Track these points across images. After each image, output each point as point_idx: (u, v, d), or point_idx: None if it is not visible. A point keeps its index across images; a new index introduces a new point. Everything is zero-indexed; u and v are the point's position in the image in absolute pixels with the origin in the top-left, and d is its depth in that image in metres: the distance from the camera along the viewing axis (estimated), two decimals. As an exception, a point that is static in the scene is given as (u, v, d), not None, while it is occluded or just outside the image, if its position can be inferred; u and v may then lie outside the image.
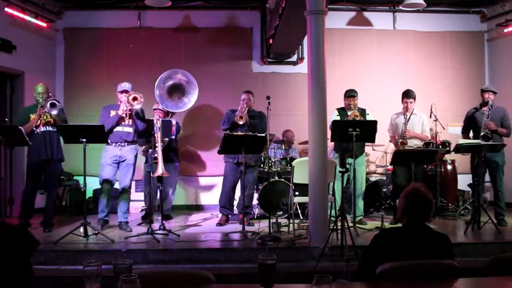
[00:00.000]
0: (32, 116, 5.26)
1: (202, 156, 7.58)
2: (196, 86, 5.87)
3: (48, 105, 5.10)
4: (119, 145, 5.37)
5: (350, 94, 5.74)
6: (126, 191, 5.47)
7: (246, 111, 5.73)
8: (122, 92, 5.40)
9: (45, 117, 5.24)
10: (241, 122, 5.64)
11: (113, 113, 5.40)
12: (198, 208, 7.51)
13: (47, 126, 5.29)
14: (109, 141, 5.33)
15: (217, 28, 7.71)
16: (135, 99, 5.28)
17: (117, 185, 5.57)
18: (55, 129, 5.31)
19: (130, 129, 5.43)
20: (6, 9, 6.40)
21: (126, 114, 5.33)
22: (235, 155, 5.69)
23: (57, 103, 5.16)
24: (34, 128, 5.21)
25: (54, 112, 5.15)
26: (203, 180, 7.64)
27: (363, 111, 5.76)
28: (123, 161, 5.41)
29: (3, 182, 5.02)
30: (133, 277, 1.50)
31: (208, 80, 7.27)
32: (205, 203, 7.60)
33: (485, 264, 2.16)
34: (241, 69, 7.69)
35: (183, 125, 7.22)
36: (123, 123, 5.38)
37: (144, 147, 6.17)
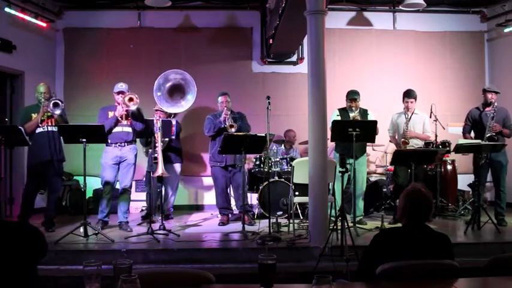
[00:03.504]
0: (34, 115, 5.27)
1: (203, 157, 7.57)
2: (194, 85, 5.88)
3: (51, 105, 5.10)
4: (119, 145, 5.37)
5: (352, 96, 5.70)
6: (126, 191, 5.48)
7: (231, 118, 5.71)
8: (118, 93, 5.41)
9: (48, 113, 5.22)
10: (233, 130, 5.61)
11: (111, 114, 5.40)
12: (199, 208, 7.52)
13: (51, 126, 5.28)
14: (109, 141, 5.33)
15: (217, 28, 7.71)
16: (131, 100, 5.30)
17: (117, 185, 5.57)
18: (57, 129, 5.32)
19: (129, 129, 5.44)
20: (6, 9, 6.39)
21: (123, 116, 5.34)
22: (223, 158, 5.72)
23: (60, 103, 5.17)
24: (39, 125, 5.20)
25: (58, 112, 5.16)
26: (205, 180, 7.63)
27: (364, 112, 5.75)
28: (123, 161, 5.41)
29: (3, 182, 5.01)
30: (133, 277, 1.50)
31: (208, 80, 7.26)
32: (206, 203, 7.61)
33: (485, 264, 2.16)
34: (241, 69, 7.69)
35: (184, 126, 7.22)
36: (121, 123, 5.39)
37: (146, 148, 6.17)
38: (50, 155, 5.26)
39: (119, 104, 5.40)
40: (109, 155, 5.38)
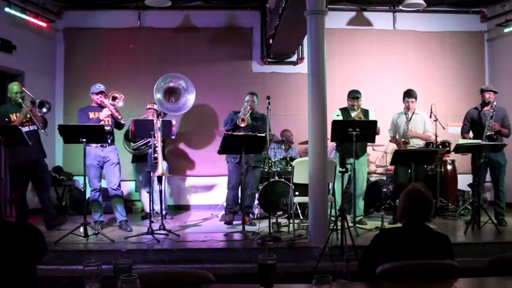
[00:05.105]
0: (13, 116, 5.20)
1: (203, 156, 7.55)
2: (192, 92, 5.88)
3: (36, 107, 5.08)
4: (101, 146, 5.33)
5: (354, 95, 5.71)
6: (117, 191, 5.44)
7: (248, 114, 5.76)
8: (98, 93, 5.39)
9: (28, 116, 5.18)
10: (242, 125, 5.68)
11: (91, 114, 5.37)
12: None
13: (32, 126, 5.25)
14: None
15: (217, 28, 7.71)
16: (115, 98, 5.27)
17: (104, 184, 5.56)
18: (37, 128, 5.30)
19: (110, 130, 5.42)
20: (6, 9, 6.39)
21: (107, 118, 5.32)
22: (237, 154, 5.70)
23: (45, 103, 5.15)
24: (23, 125, 5.12)
25: (44, 110, 5.15)
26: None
27: (366, 112, 5.75)
28: (107, 161, 5.39)
29: (3, 182, 5.00)
30: (133, 277, 1.50)
31: (208, 80, 7.27)
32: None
33: (485, 264, 2.16)
34: (241, 69, 7.68)
35: (182, 125, 7.22)
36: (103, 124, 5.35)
37: (133, 144, 6.13)
38: (35, 154, 5.26)
39: (98, 104, 5.38)
40: (92, 156, 5.31)
